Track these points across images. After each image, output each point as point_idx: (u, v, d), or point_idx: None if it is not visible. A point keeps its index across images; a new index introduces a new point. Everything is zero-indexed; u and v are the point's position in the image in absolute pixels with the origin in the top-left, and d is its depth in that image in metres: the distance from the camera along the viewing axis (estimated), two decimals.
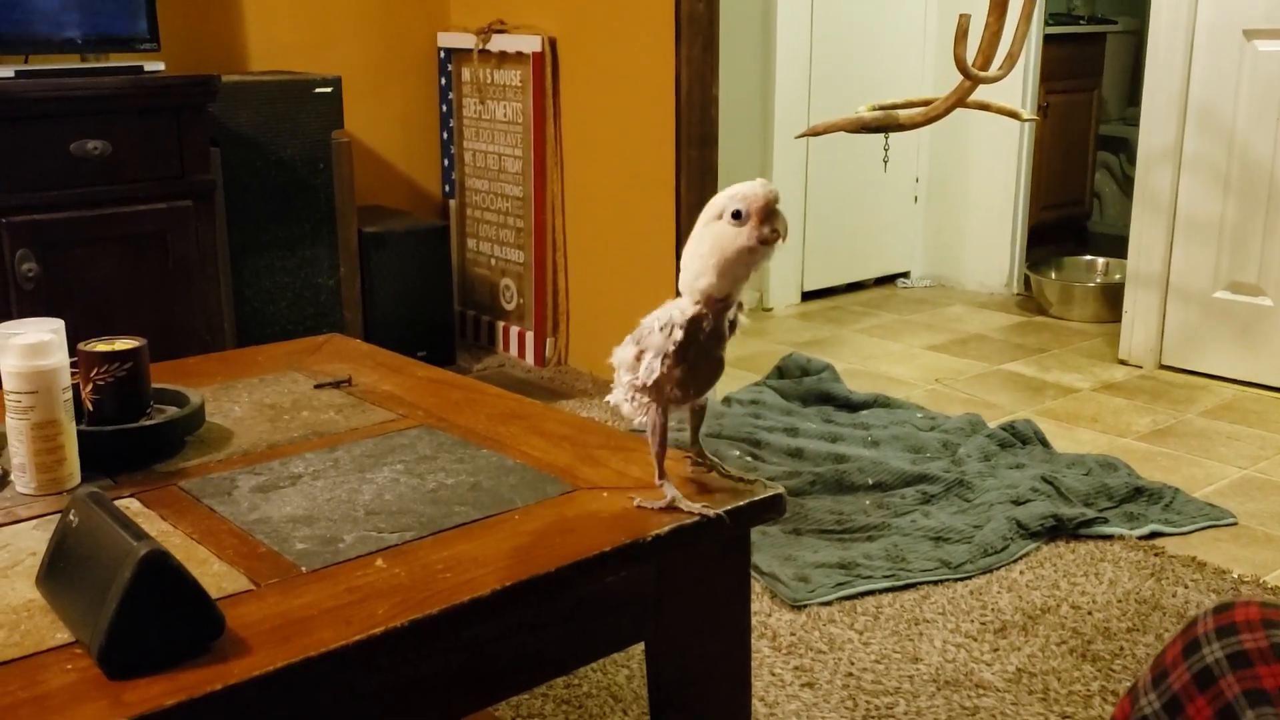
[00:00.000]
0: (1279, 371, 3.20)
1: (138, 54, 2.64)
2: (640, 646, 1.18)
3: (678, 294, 1.07)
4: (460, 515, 1.11)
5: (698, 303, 1.04)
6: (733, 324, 1.08)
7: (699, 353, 1.05)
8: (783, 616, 2.01)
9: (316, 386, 1.52)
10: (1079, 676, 1.84)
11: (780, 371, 3.23)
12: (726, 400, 3.00)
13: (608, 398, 1.11)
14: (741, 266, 1.02)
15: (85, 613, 0.88)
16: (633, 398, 1.08)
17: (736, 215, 1.00)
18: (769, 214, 1.00)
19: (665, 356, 1.04)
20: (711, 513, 1.08)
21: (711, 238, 1.02)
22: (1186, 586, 2.12)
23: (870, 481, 2.49)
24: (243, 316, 2.91)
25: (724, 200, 1.01)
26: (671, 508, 1.09)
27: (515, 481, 1.19)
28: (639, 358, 1.06)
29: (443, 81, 3.65)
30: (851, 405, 3.04)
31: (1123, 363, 3.49)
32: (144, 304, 2.50)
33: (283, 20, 3.31)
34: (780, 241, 1.01)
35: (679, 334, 1.03)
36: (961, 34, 2.37)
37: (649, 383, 1.06)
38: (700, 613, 1.16)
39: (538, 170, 3.35)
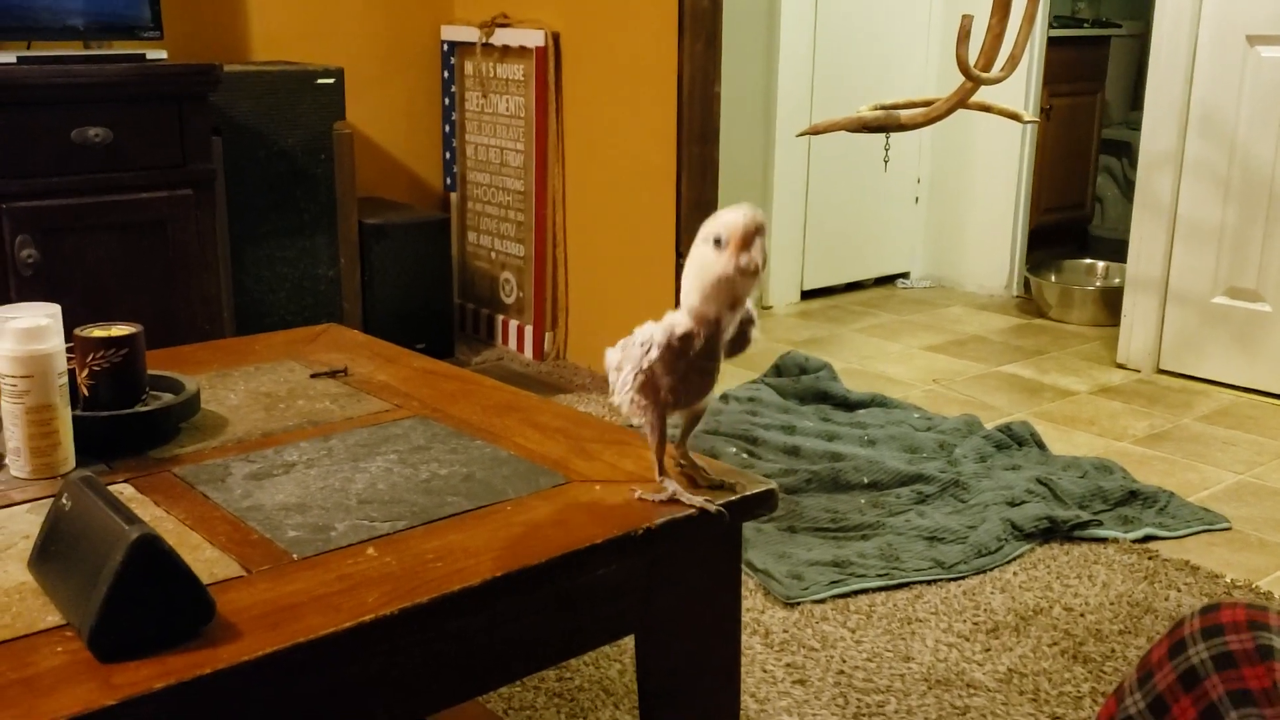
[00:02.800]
0: (1277, 377, 3.20)
1: (140, 42, 2.64)
2: (633, 640, 1.19)
3: (678, 302, 1.08)
4: (452, 505, 1.11)
5: (692, 319, 1.05)
6: (745, 338, 1.10)
7: (689, 367, 1.06)
8: (776, 614, 2.01)
9: (312, 376, 1.52)
10: (1070, 678, 1.84)
11: (778, 369, 3.24)
12: (724, 397, 3.01)
13: (610, 397, 1.12)
14: (723, 292, 1.02)
15: (76, 595, 0.88)
16: (631, 399, 1.09)
17: (717, 242, 1.00)
18: (746, 243, 0.99)
19: (639, 371, 1.06)
20: (713, 507, 1.09)
21: (697, 260, 1.02)
22: (1179, 590, 2.13)
23: (866, 480, 2.49)
24: (242, 306, 2.92)
25: (710, 225, 1.01)
26: (673, 500, 1.10)
27: (508, 473, 1.19)
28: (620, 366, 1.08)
29: (445, 74, 3.65)
30: (849, 404, 3.04)
31: (1121, 366, 3.49)
32: (143, 292, 2.50)
33: (286, 10, 3.31)
34: (757, 273, 1.00)
35: (655, 353, 1.05)
36: (964, 35, 2.37)
37: (620, 394, 1.08)
38: (691, 606, 1.17)
39: (539, 164, 3.35)
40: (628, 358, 1.07)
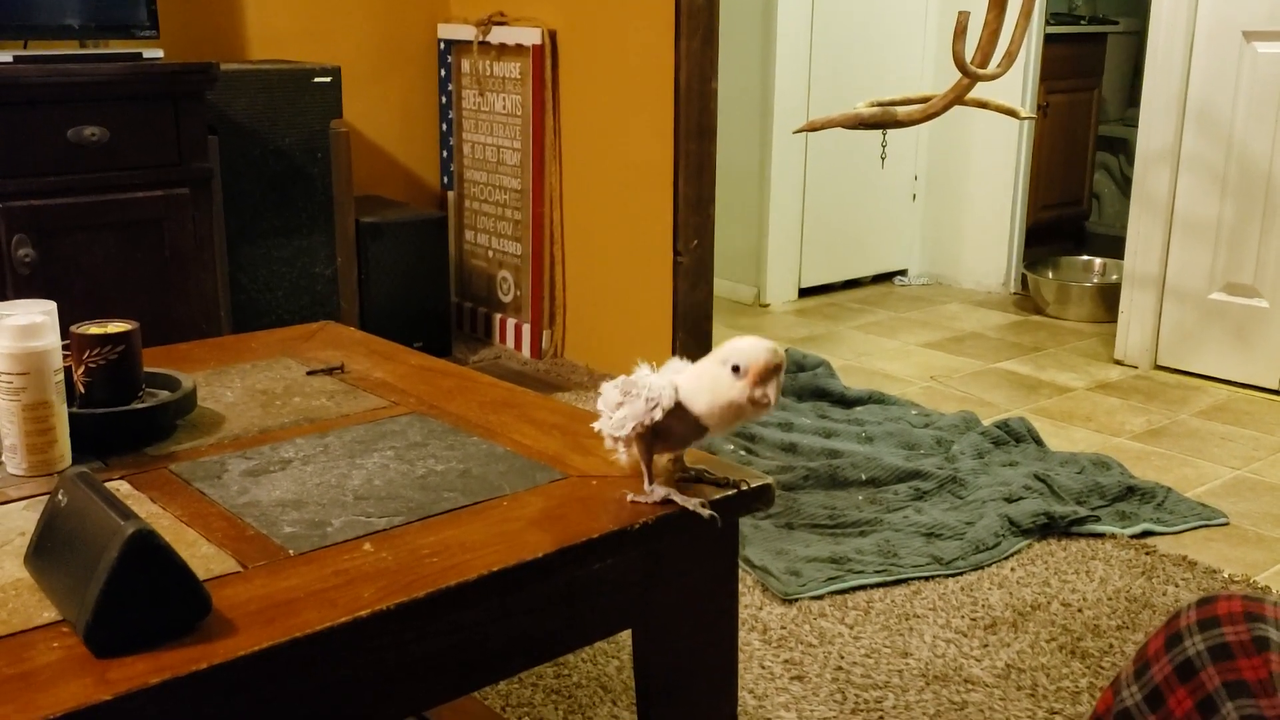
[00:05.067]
0: (1273, 373, 3.20)
1: (137, 41, 2.64)
2: (631, 636, 1.18)
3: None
4: (449, 501, 1.11)
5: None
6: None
7: (675, 427, 1.07)
8: (773, 610, 2.01)
9: (309, 373, 1.52)
10: (1068, 673, 1.84)
11: (780, 388, 3.23)
12: None
13: (594, 424, 1.12)
14: (731, 415, 1.05)
15: (72, 591, 0.88)
16: (619, 440, 1.11)
17: (736, 369, 1.02)
18: (764, 378, 1.02)
19: (638, 425, 1.07)
20: (706, 512, 1.08)
21: (711, 378, 1.05)
22: (1177, 585, 2.13)
23: (863, 477, 2.49)
24: (239, 305, 2.92)
25: (729, 350, 1.04)
26: (666, 502, 1.10)
27: (505, 469, 1.19)
28: (620, 405, 1.08)
29: (442, 73, 3.65)
30: (846, 401, 3.04)
31: (1118, 363, 3.50)
32: (140, 291, 2.50)
33: (282, 9, 3.31)
34: (769, 408, 1.03)
35: (658, 415, 1.06)
36: (960, 31, 2.38)
37: (616, 435, 1.09)
38: (688, 600, 1.17)
39: (536, 163, 3.35)
40: (630, 408, 1.07)
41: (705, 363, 1.06)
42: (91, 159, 2.42)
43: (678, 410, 1.06)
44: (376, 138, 3.58)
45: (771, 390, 1.02)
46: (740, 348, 1.03)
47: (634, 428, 1.07)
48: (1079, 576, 2.15)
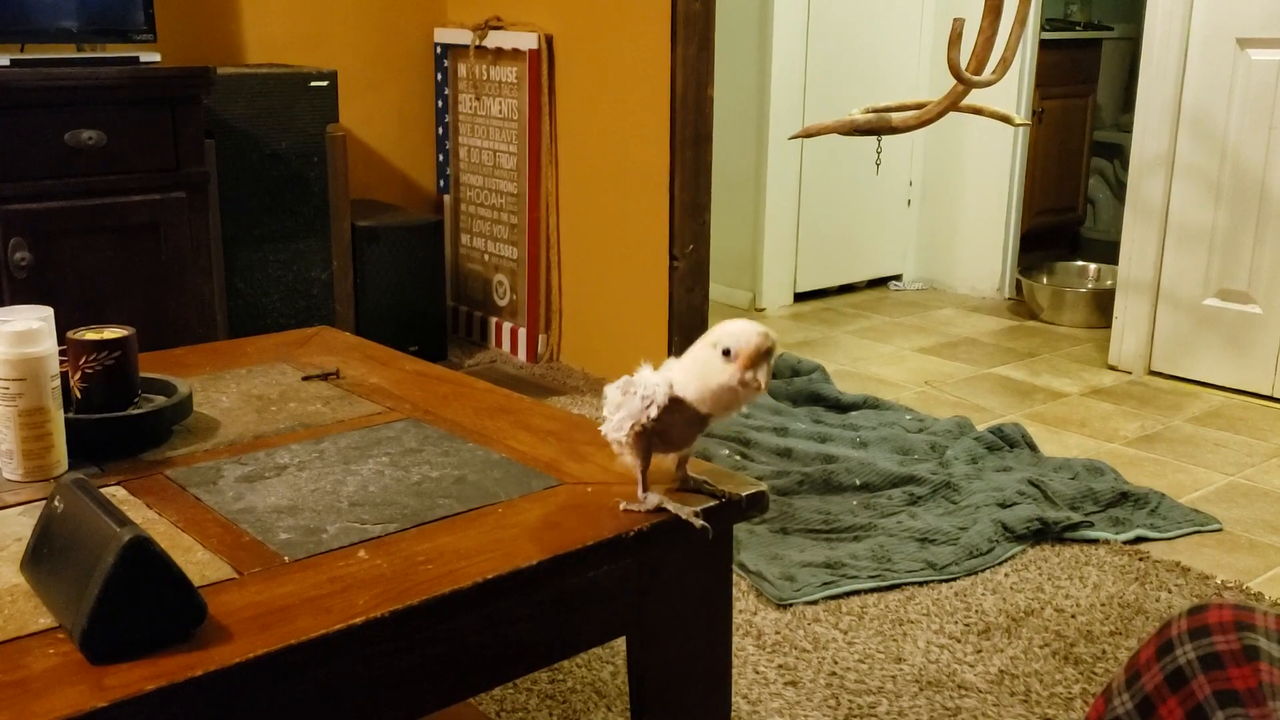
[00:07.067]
0: (1267, 379, 3.21)
1: (134, 45, 2.65)
2: (625, 642, 1.19)
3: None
4: (444, 508, 1.11)
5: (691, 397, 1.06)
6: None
7: (674, 423, 1.07)
8: (768, 615, 2.02)
9: (304, 379, 1.52)
10: (1061, 679, 1.85)
11: (771, 372, 3.24)
12: None
13: (601, 428, 1.12)
14: (723, 400, 1.04)
15: (68, 598, 0.88)
16: (620, 441, 1.10)
17: (726, 352, 1.02)
18: (755, 361, 1.01)
19: (635, 424, 1.06)
20: (698, 522, 1.08)
21: (701, 362, 1.04)
22: (1170, 591, 2.14)
23: (858, 482, 2.50)
24: (235, 309, 2.92)
25: (720, 332, 1.03)
26: (659, 510, 1.10)
27: (500, 475, 1.20)
28: (620, 406, 1.08)
29: (439, 77, 3.66)
30: (841, 406, 3.05)
31: (1112, 368, 3.50)
32: (136, 295, 2.50)
33: (279, 13, 3.31)
34: (760, 391, 1.02)
35: (654, 412, 1.05)
36: (955, 38, 2.38)
37: (616, 439, 1.08)
38: (682, 607, 1.17)
39: (532, 167, 3.35)
40: (628, 405, 1.07)
41: (697, 346, 1.05)
42: (88, 163, 2.43)
43: (675, 404, 1.05)
44: (373, 142, 3.58)
45: (762, 374, 1.01)
46: (731, 330, 1.02)
47: (632, 428, 1.06)
48: (1072, 582, 2.16)
